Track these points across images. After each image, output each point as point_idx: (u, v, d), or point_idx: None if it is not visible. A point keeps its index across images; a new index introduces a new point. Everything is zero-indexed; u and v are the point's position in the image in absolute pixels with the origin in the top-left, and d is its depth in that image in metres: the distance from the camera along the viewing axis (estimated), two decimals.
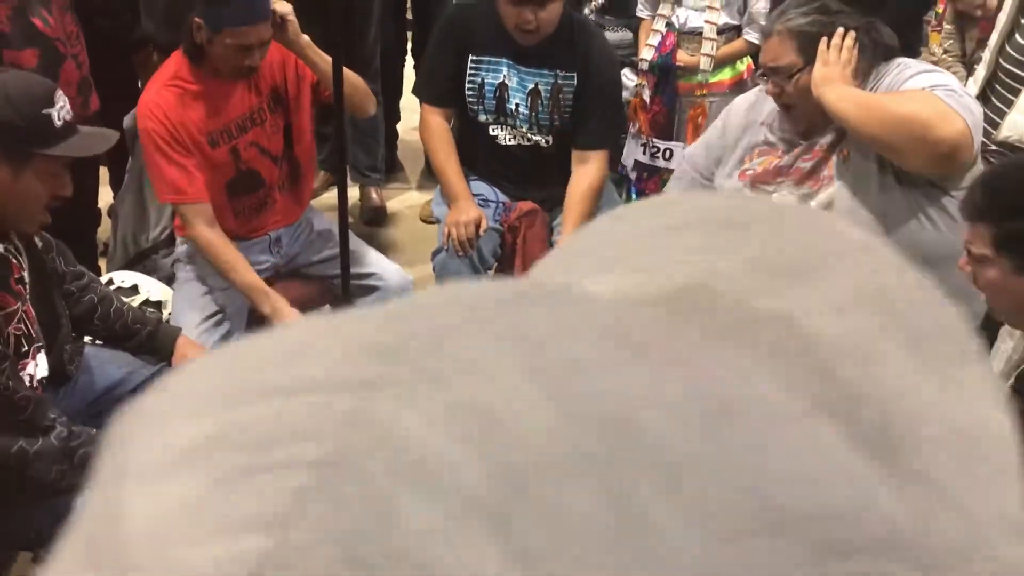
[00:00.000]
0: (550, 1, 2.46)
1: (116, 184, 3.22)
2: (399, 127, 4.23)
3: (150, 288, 2.59)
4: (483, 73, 2.66)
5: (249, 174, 2.47)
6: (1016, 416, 1.05)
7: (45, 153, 1.72)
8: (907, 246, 2.01)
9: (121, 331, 2.14)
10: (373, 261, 2.63)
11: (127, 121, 2.75)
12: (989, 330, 1.71)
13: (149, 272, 2.74)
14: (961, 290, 1.88)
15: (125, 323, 2.14)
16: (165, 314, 2.50)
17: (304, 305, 2.62)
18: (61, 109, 1.74)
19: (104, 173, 3.43)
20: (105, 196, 3.35)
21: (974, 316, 1.94)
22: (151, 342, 2.16)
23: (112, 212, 3.01)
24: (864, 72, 2.06)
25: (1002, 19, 2.63)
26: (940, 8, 4.30)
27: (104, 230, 3.24)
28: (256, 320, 2.55)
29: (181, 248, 2.56)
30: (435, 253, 2.67)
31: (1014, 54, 2.57)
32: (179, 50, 2.35)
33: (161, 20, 2.96)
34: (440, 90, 2.72)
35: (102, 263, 3.17)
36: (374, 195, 3.93)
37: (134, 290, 2.56)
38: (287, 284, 2.53)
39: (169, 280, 2.65)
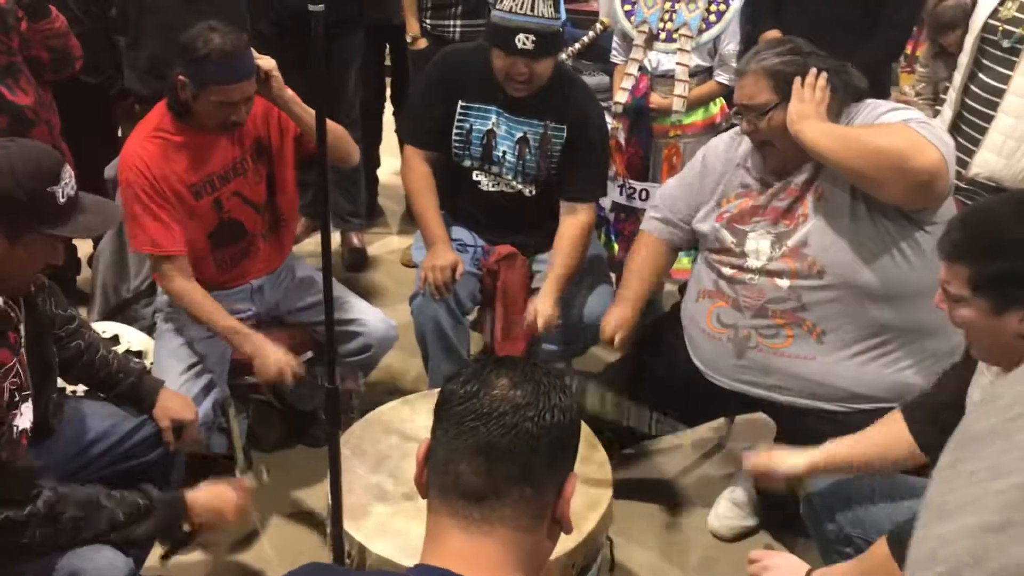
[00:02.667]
0: (545, 56, 2.49)
1: None
2: (379, 172, 4.27)
3: (131, 338, 2.58)
4: (472, 119, 2.68)
5: (232, 224, 2.47)
6: None
7: (44, 232, 1.69)
8: (882, 281, 2.05)
9: (105, 379, 2.13)
10: (355, 308, 2.64)
11: (109, 171, 2.77)
12: (971, 361, 1.74)
13: (129, 322, 2.74)
14: (935, 326, 1.92)
15: (110, 372, 2.13)
16: (146, 363, 2.49)
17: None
18: (66, 186, 1.70)
19: None
20: (85, 246, 3.35)
21: (951, 350, 1.97)
22: (134, 392, 2.14)
23: (92, 261, 3.01)
24: (835, 112, 2.11)
25: (963, 60, 2.70)
26: (909, 50, 4.42)
27: (84, 280, 3.23)
28: (238, 369, 2.55)
29: (162, 298, 2.55)
30: (412, 297, 2.68)
31: (980, 92, 2.64)
32: (162, 102, 2.36)
33: (144, 73, 2.99)
34: (426, 133, 2.74)
35: (82, 312, 3.16)
36: (355, 240, 3.95)
37: (115, 340, 2.56)
38: (268, 332, 2.52)
39: (150, 330, 2.65)
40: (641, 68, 3.05)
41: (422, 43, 3.58)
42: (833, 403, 2.16)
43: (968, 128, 2.69)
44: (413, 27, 3.61)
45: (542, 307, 2.51)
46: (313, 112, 2.30)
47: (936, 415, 1.80)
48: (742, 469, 2.68)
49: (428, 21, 3.56)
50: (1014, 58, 2.53)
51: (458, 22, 3.50)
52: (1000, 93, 2.57)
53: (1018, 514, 0.34)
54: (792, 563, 1.69)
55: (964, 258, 1.50)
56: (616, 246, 3.21)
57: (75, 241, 3.28)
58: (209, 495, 1.95)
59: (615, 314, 2.45)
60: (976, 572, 0.34)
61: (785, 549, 2.48)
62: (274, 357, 2.35)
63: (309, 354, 2.67)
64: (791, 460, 1.91)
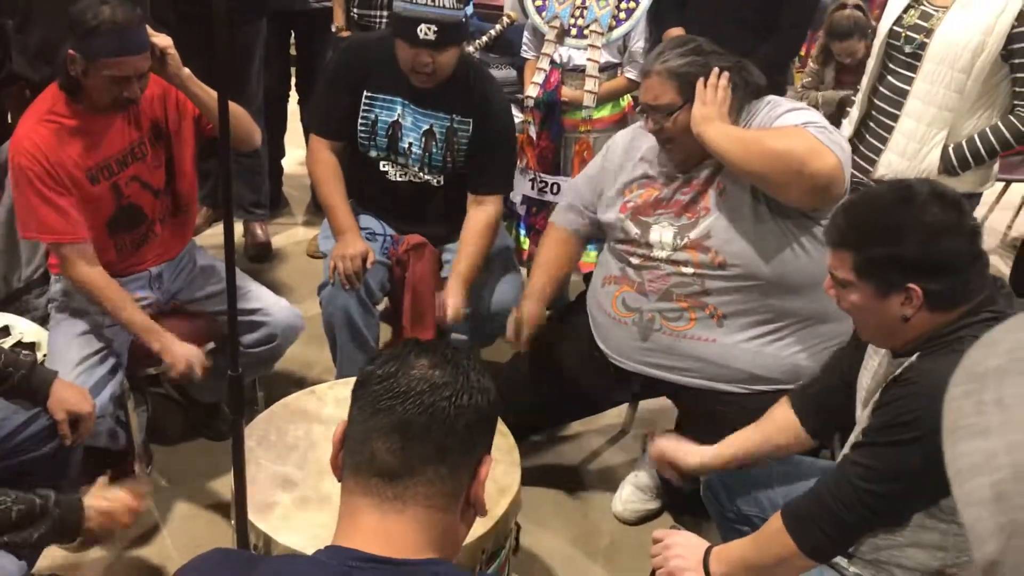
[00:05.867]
0: (448, 46, 2.48)
1: None
2: (284, 162, 4.20)
3: (23, 329, 2.48)
4: (377, 110, 2.66)
5: (130, 209, 2.40)
6: (884, 427, 1.14)
7: None
8: (781, 273, 2.12)
9: None
10: (259, 297, 2.59)
11: None
12: (859, 348, 1.81)
13: (21, 313, 2.63)
14: (830, 312, 2.00)
15: None
16: (39, 356, 2.40)
17: (187, 342, 2.56)
18: None
19: None
20: None
21: (844, 335, 2.06)
22: (25, 385, 2.06)
23: None
24: (736, 109, 2.17)
25: (871, 63, 2.81)
26: (803, 52, 4.59)
27: None
28: (137, 360, 2.48)
29: (56, 287, 2.46)
30: (321, 287, 2.65)
31: (887, 94, 2.75)
32: (54, 84, 2.28)
33: (34, 57, 2.87)
34: (331, 123, 2.71)
35: None
36: (259, 231, 3.89)
37: (5, 331, 2.46)
38: (169, 321, 2.47)
39: (43, 320, 2.55)
40: (552, 62, 3.09)
41: (346, 33, 3.58)
42: (733, 384, 2.23)
43: (876, 127, 2.79)
44: (339, 18, 3.60)
45: (451, 300, 2.52)
46: (212, 92, 2.27)
47: (822, 401, 1.88)
48: (645, 452, 2.75)
49: (356, 11, 3.56)
50: (916, 63, 2.64)
51: (384, 12, 3.49)
52: (905, 95, 2.68)
53: None
54: (692, 541, 1.74)
55: (848, 244, 1.57)
56: (527, 240, 3.24)
57: None
58: (104, 501, 1.88)
59: (523, 311, 2.48)
60: None
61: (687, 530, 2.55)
62: (182, 352, 2.32)
63: (211, 344, 2.61)
64: (691, 458, 1.98)
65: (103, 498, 1.89)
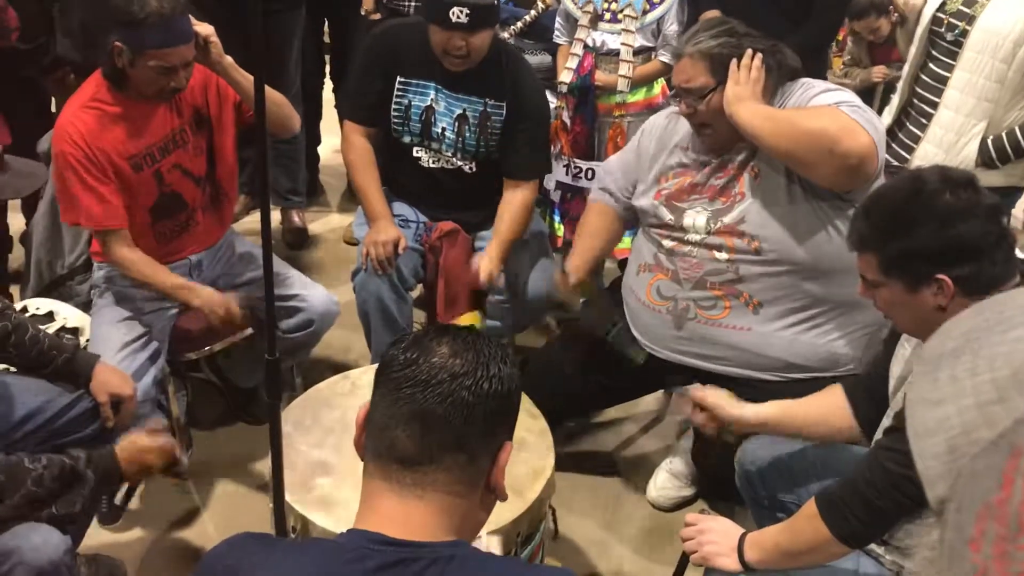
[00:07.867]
0: (480, 28, 2.49)
1: (28, 210, 3.15)
2: (320, 150, 4.23)
3: (66, 315, 2.53)
4: (410, 95, 2.68)
5: (172, 196, 2.44)
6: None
7: None
8: (816, 257, 2.11)
9: (37, 358, 2.09)
10: (296, 283, 2.62)
11: (42, 144, 2.70)
12: (895, 337, 1.80)
13: (65, 299, 2.68)
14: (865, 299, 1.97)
15: (41, 350, 2.09)
16: (82, 341, 2.45)
17: (226, 329, 2.60)
18: None
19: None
20: (17, 222, 3.27)
21: (880, 322, 2.04)
22: (68, 369, 2.11)
23: (25, 238, 2.94)
24: (771, 91, 2.15)
25: (913, 50, 2.76)
26: (841, 36, 4.53)
27: (16, 257, 3.16)
28: (177, 345, 2.52)
29: (99, 274, 2.51)
30: (354, 273, 2.67)
31: (928, 82, 2.70)
32: (98, 71, 2.31)
33: (78, 40, 2.91)
34: (364, 109, 2.73)
35: (14, 290, 3.09)
36: (296, 218, 3.92)
37: (49, 317, 2.51)
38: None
39: (86, 307, 2.60)
40: (585, 47, 3.08)
41: (376, 16, 3.61)
42: (768, 372, 2.22)
43: (917, 115, 2.75)
44: (368, 2, 3.63)
45: (485, 263, 2.52)
46: (252, 78, 2.29)
47: (872, 391, 1.86)
48: (680, 439, 2.74)
49: None
50: (957, 51, 2.59)
51: None
52: (945, 83, 2.62)
53: (1009, 391, 0.48)
54: (726, 526, 1.74)
55: (870, 246, 1.57)
56: (561, 227, 3.23)
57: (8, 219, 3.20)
58: (134, 447, 1.92)
59: (570, 262, 2.46)
60: (989, 431, 0.48)
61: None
62: (220, 299, 2.38)
63: (249, 330, 2.65)
64: (731, 409, 1.95)
65: (132, 445, 1.92)
